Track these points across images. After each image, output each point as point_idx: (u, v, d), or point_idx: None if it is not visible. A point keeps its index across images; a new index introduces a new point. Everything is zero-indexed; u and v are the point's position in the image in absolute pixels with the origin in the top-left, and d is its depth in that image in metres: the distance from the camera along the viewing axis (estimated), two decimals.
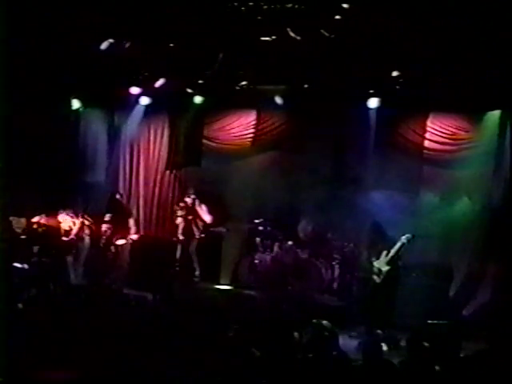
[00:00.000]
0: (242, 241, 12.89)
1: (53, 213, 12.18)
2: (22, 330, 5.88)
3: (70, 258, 12.07)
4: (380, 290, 9.94)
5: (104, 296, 8.82)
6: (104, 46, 10.69)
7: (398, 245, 9.84)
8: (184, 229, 12.47)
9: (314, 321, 6.34)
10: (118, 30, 10.45)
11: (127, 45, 10.69)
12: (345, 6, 8.85)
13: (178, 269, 12.35)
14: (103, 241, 12.24)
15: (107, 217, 12.41)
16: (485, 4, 8.65)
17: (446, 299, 10.99)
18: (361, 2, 8.99)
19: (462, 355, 6.68)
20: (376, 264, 9.97)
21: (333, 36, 9.45)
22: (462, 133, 11.90)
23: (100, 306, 7.68)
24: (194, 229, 12.44)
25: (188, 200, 12.47)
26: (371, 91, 11.74)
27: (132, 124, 13.69)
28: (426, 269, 11.07)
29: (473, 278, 11.37)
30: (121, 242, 12.49)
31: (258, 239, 12.56)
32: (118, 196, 12.95)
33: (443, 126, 11.96)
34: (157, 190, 13.88)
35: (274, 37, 9.90)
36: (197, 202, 12.41)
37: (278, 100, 12.28)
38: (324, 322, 6.27)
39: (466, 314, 10.86)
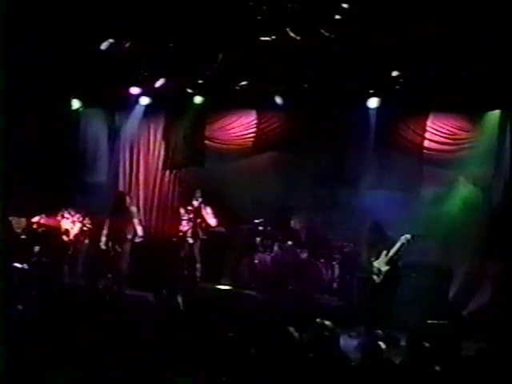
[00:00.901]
0: (242, 241, 12.88)
1: (53, 213, 12.19)
2: (22, 330, 5.88)
3: (70, 258, 12.08)
4: (380, 289, 9.94)
5: (104, 296, 8.83)
6: (104, 45, 10.68)
7: (398, 245, 9.84)
8: (188, 230, 12.43)
9: (318, 320, 6.35)
10: (118, 29, 10.45)
11: (127, 45, 10.69)
12: (345, 5, 8.85)
13: (180, 270, 12.32)
14: (103, 241, 12.20)
15: (110, 217, 12.34)
16: (485, 4, 8.65)
17: (446, 299, 10.98)
18: (361, 1, 8.99)
19: (461, 355, 6.69)
20: (376, 264, 9.97)
21: (333, 36, 9.44)
22: (462, 133, 11.89)
23: (100, 306, 7.68)
24: (199, 230, 12.41)
25: (195, 203, 12.37)
26: (371, 91, 11.75)
27: (132, 124, 13.70)
28: (426, 269, 11.05)
29: (473, 278, 11.38)
30: (122, 242, 12.43)
31: (257, 239, 12.56)
32: (127, 200, 12.48)
33: (443, 126, 11.95)
34: (157, 190, 13.88)
35: (273, 37, 9.90)
36: (202, 205, 12.38)
37: (278, 100, 12.29)
38: (326, 322, 6.28)
39: (465, 314, 10.87)
